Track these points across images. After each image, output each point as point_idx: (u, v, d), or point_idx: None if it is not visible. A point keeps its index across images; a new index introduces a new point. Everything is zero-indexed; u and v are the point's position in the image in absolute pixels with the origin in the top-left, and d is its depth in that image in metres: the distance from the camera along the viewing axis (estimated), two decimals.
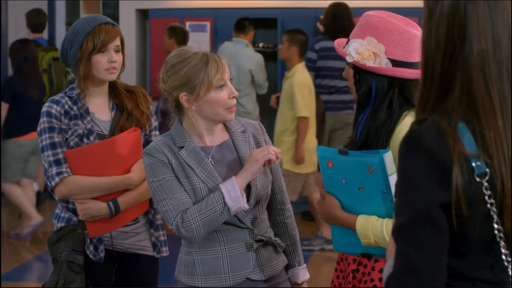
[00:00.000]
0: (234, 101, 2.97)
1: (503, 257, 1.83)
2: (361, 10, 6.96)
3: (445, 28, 1.83)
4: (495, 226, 1.80)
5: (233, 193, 2.82)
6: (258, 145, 3.06)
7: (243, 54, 8.04)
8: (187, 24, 9.11)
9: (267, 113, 8.75)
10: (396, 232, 1.81)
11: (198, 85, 2.91)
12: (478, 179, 1.78)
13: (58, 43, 9.53)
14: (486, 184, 1.78)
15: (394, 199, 1.86)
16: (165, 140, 2.99)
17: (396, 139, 2.71)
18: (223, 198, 2.82)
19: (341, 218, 2.78)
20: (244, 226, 2.97)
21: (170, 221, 2.89)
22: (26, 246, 7.58)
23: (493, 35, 1.82)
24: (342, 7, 7.70)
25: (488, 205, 1.79)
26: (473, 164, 1.78)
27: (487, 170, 1.78)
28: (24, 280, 6.67)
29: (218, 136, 3.03)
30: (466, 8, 1.83)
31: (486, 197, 1.79)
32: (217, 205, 2.83)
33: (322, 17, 8.01)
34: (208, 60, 2.93)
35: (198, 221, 2.84)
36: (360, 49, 2.73)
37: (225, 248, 2.97)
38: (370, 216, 2.74)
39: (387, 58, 2.73)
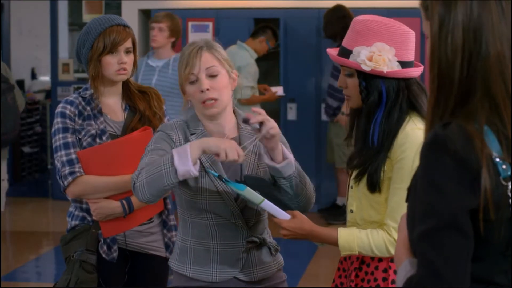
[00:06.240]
0: (207, 95, 2.94)
1: None
2: (361, 11, 7.01)
3: (461, 34, 1.81)
4: None
5: (183, 156, 2.75)
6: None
7: (230, 52, 8.14)
8: (190, 24, 9.12)
9: None
10: (421, 238, 1.78)
11: (180, 78, 2.99)
12: (504, 182, 1.77)
13: (60, 43, 9.54)
14: (511, 187, 1.77)
15: (417, 202, 1.82)
16: (181, 124, 3.02)
17: (401, 145, 2.71)
18: (172, 159, 2.76)
19: (321, 233, 2.81)
20: (238, 224, 2.95)
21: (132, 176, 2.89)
22: (27, 247, 7.59)
23: (508, 37, 1.81)
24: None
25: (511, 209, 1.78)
26: (500, 168, 1.77)
27: None
28: (25, 280, 6.67)
29: (230, 132, 3.03)
30: (479, 11, 1.81)
31: (510, 200, 1.77)
32: (164, 164, 2.76)
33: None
34: (184, 55, 2.98)
35: (143, 179, 2.79)
36: (373, 57, 2.71)
37: (216, 243, 2.97)
38: (350, 229, 2.79)
39: (397, 60, 2.73)
